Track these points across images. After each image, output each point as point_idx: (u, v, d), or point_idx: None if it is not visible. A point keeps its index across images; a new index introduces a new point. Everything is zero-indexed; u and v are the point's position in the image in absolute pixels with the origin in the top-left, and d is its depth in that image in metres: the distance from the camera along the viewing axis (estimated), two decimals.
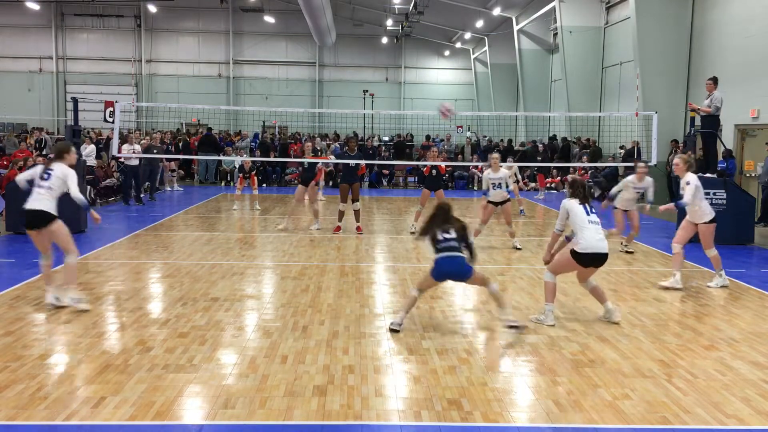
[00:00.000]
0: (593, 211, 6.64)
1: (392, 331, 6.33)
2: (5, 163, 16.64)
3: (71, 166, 7.16)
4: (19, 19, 36.22)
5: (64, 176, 6.97)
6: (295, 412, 4.50)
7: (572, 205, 6.66)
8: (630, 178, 10.94)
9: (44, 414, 4.40)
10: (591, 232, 6.46)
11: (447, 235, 6.33)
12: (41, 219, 6.82)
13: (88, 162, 14.78)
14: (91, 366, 5.28)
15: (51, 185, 6.92)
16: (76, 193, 6.97)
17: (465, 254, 6.36)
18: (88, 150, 16.96)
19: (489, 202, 11.28)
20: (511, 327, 6.43)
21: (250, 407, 4.56)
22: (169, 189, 20.46)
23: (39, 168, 7.21)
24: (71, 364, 5.36)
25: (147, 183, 17.64)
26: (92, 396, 4.69)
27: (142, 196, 17.07)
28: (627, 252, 11.03)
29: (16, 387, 4.82)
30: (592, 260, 6.51)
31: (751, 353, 5.94)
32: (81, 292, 7.28)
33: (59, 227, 6.90)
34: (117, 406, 4.52)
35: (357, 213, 12.54)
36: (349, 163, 12.42)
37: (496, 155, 11.61)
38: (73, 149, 7.41)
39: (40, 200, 6.84)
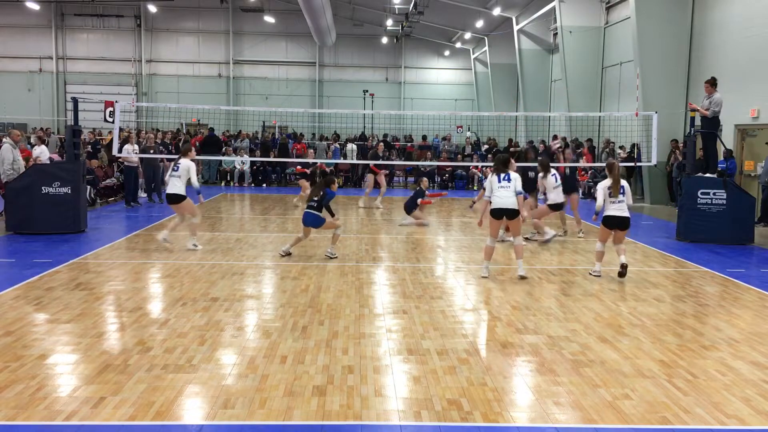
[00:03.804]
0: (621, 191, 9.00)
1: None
2: None
3: (193, 160, 10.49)
4: (19, 19, 36.22)
5: (187, 168, 10.27)
6: (295, 412, 4.50)
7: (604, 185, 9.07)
8: None
9: (44, 414, 4.40)
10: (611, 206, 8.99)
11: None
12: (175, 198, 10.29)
13: (39, 161, 13.98)
14: (91, 366, 5.27)
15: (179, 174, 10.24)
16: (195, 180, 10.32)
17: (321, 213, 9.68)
18: (38, 151, 15.23)
19: None
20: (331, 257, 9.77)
21: (249, 407, 4.56)
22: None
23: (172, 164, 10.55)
24: (71, 364, 5.35)
25: (152, 184, 17.56)
26: (92, 396, 4.69)
27: (143, 197, 17.06)
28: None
29: (16, 387, 4.82)
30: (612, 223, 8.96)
31: (751, 353, 5.94)
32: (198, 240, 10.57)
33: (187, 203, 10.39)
34: (117, 406, 4.51)
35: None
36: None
37: None
38: (193, 149, 11.18)
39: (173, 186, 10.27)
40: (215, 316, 6.74)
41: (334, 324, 6.57)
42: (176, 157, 11.13)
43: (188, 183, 10.38)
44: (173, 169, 10.39)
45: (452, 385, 5.04)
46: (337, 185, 10.60)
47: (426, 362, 5.52)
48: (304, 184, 15.51)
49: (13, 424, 4.27)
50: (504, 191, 8.63)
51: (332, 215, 9.95)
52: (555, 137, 24.07)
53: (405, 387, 5.00)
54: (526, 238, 12.30)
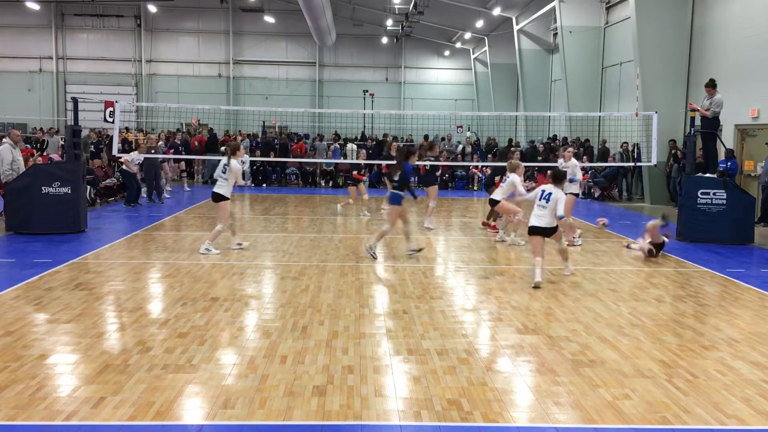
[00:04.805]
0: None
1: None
2: None
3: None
4: (19, 19, 36.24)
5: (235, 169, 10.11)
6: (295, 413, 4.50)
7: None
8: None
9: (44, 414, 4.40)
10: None
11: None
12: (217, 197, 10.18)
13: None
14: (91, 366, 5.27)
15: (227, 176, 10.15)
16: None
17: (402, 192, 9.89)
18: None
19: None
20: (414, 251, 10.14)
21: (249, 407, 4.56)
22: (169, 189, 20.42)
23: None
24: (71, 364, 5.35)
25: (153, 183, 17.52)
26: (92, 396, 4.69)
27: (143, 197, 17.05)
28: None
29: (16, 387, 4.82)
30: None
31: (751, 353, 5.94)
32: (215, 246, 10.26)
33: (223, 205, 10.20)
34: (117, 406, 4.51)
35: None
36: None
37: None
38: (243, 147, 10.91)
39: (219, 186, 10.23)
40: (215, 316, 6.74)
41: (334, 324, 6.57)
42: (177, 157, 11.12)
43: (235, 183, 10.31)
44: (222, 171, 10.26)
45: (452, 385, 5.04)
46: (417, 157, 10.70)
47: (426, 362, 5.52)
48: (353, 191, 15.43)
49: (13, 424, 4.27)
50: (540, 210, 8.55)
51: (412, 194, 10.14)
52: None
53: (405, 387, 5.00)
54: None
